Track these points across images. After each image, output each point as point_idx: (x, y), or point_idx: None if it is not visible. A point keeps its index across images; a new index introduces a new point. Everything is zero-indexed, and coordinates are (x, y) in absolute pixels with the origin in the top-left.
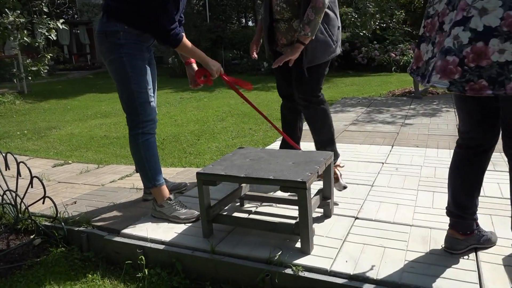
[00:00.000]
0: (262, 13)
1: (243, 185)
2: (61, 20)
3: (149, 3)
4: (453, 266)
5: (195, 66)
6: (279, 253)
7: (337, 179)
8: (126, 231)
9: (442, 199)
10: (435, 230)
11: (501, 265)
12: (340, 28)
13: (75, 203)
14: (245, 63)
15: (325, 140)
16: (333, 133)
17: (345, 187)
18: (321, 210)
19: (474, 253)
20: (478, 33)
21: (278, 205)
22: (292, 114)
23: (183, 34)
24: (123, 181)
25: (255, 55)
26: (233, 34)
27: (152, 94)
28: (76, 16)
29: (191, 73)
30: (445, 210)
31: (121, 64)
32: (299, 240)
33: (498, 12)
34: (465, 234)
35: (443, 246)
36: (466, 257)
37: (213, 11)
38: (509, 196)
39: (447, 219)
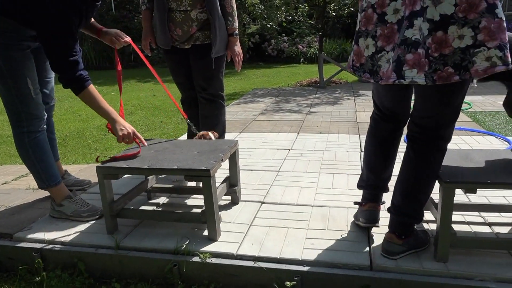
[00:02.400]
0: (146, 2)
1: (150, 177)
2: None
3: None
4: (348, 239)
5: (108, 30)
6: (187, 242)
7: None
8: (20, 234)
9: (341, 179)
10: (334, 208)
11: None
12: None
13: None
14: (155, 55)
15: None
16: (225, 131)
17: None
18: (229, 197)
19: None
20: (435, 22)
21: (187, 195)
22: (196, 107)
23: (86, 84)
24: (17, 182)
25: (149, 50)
26: (141, 25)
27: (37, 87)
28: None
29: (109, 38)
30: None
31: None
32: (207, 228)
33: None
34: (402, 237)
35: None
36: (359, 230)
37: (119, 0)
38: (397, 173)
39: (345, 198)
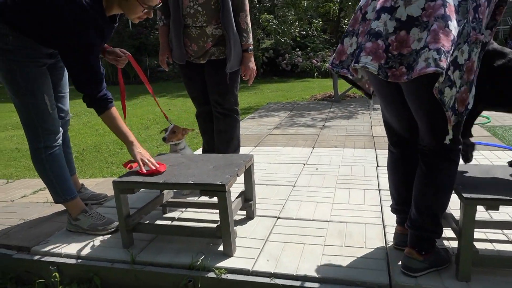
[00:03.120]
0: (163, 18)
1: (165, 192)
2: None
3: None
4: (366, 256)
5: (111, 49)
6: (202, 257)
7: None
8: (38, 248)
9: (357, 195)
10: (350, 224)
11: None
12: None
13: None
14: (171, 70)
15: (233, 151)
16: (239, 146)
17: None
18: (244, 212)
19: (384, 242)
20: (402, 22)
21: (202, 210)
22: (211, 122)
23: (109, 107)
24: (35, 195)
25: (166, 65)
26: (157, 40)
27: (54, 103)
28: None
29: (113, 58)
30: (407, 224)
31: (10, 72)
32: (222, 243)
33: (420, 3)
34: (422, 253)
35: (401, 269)
36: (377, 246)
37: None
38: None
39: (361, 213)
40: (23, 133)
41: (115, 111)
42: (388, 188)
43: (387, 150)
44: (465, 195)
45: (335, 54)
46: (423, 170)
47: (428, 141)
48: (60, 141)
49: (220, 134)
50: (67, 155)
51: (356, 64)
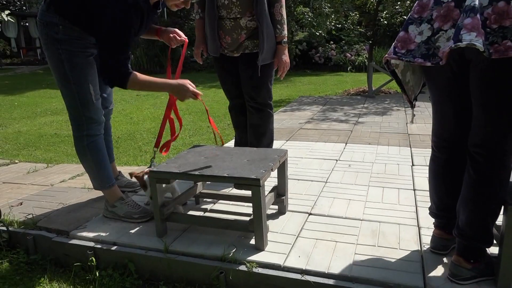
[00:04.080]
0: (200, 11)
1: (199, 183)
2: (7, 12)
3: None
4: (399, 258)
5: (167, 28)
6: (234, 250)
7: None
8: (76, 232)
9: (391, 194)
10: (384, 224)
11: (443, 255)
12: None
13: (21, 204)
14: (204, 60)
15: (266, 146)
16: (273, 140)
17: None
18: (276, 206)
19: (419, 244)
20: None
21: (234, 202)
22: (244, 115)
23: (131, 71)
24: (74, 180)
25: (200, 59)
26: (192, 31)
27: (98, 93)
28: (24, 7)
29: (167, 36)
30: (455, 232)
31: (59, 61)
32: (254, 236)
33: None
34: (471, 261)
35: (448, 277)
36: (411, 248)
37: None
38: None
39: (395, 213)
40: (62, 118)
41: (137, 75)
42: (425, 190)
43: (423, 149)
44: (509, 200)
45: (399, 43)
46: (472, 176)
47: (488, 135)
48: (102, 130)
49: (253, 128)
50: (108, 143)
51: (460, 43)
